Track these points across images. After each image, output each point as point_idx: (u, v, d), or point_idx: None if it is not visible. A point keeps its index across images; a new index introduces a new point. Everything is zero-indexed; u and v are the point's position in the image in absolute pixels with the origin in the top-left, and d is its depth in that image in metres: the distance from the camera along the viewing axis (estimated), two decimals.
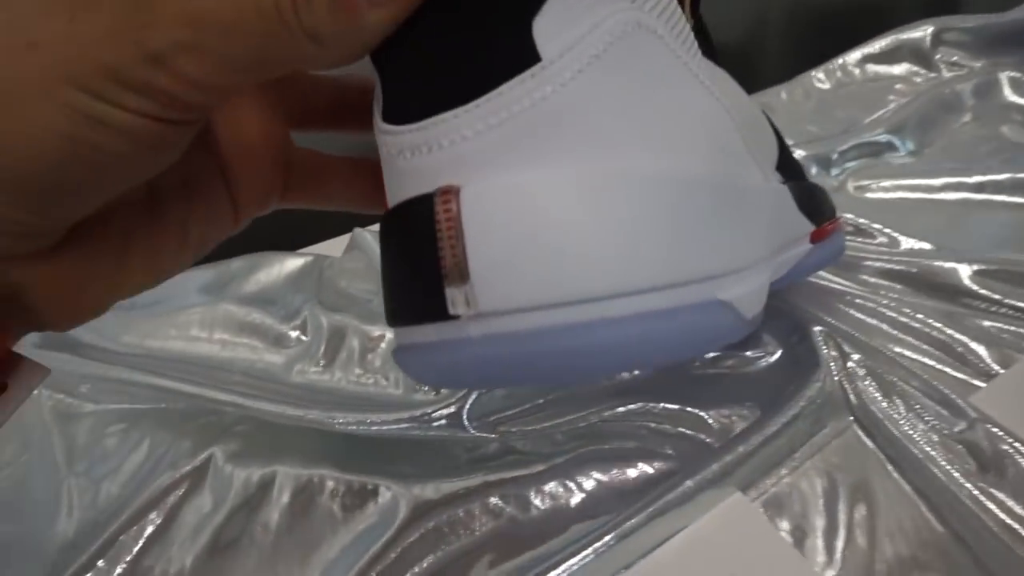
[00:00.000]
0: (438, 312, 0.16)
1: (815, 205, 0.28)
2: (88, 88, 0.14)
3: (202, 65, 0.14)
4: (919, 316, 0.35)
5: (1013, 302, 0.35)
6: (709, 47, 0.22)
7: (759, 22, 0.65)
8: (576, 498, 0.31)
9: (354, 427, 0.33)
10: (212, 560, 0.30)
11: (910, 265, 0.37)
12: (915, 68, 0.51)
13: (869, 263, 0.38)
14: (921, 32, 0.52)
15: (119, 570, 0.30)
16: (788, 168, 0.26)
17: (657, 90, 0.18)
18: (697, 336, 0.17)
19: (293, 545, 0.30)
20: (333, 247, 0.43)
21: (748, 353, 0.34)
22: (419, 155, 0.16)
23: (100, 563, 0.30)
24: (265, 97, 0.22)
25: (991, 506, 0.27)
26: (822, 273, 0.38)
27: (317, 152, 0.24)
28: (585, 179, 0.16)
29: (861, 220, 0.40)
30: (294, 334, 0.37)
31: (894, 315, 0.35)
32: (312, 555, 0.30)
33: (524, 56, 0.16)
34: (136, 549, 0.31)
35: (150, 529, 0.31)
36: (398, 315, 0.18)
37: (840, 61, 0.52)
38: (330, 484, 0.32)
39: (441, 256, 0.16)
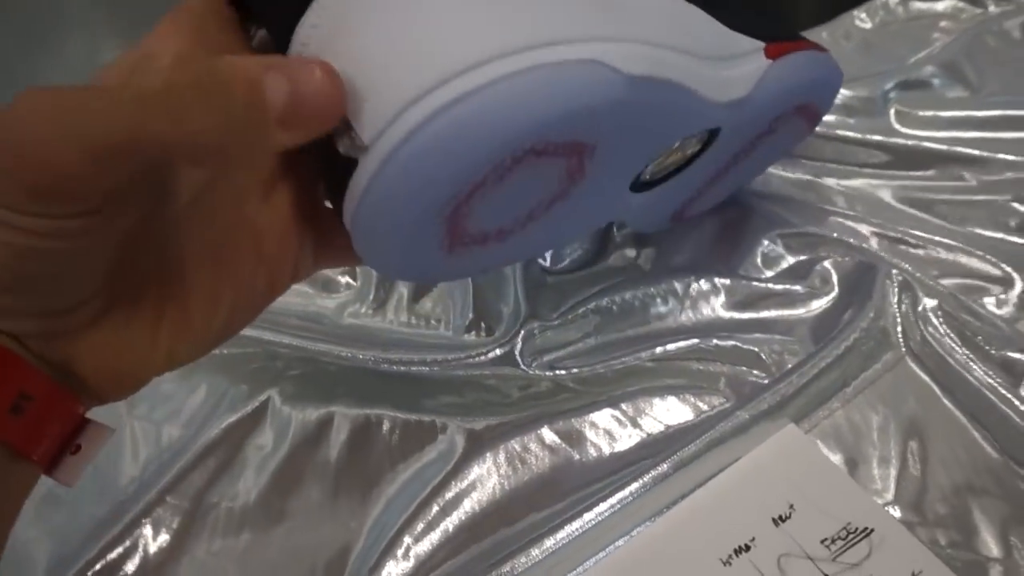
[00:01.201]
0: (346, 168, 0.18)
1: (756, 26, 0.28)
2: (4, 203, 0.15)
3: (76, 156, 0.15)
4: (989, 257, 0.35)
5: None
6: None
7: None
8: (631, 432, 0.31)
9: (406, 367, 0.34)
10: (275, 495, 0.31)
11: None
12: (960, 4, 0.50)
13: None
14: None
15: (187, 505, 0.31)
16: (706, 1, 0.27)
17: None
18: (565, 88, 0.18)
19: (354, 481, 0.31)
20: None
21: (799, 288, 0.34)
22: None
23: (168, 498, 0.31)
24: (293, 170, 0.22)
25: None
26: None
27: None
28: None
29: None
30: (343, 279, 0.38)
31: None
32: (373, 490, 0.31)
33: None
34: (202, 485, 0.32)
35: (214, 466, 0.32)
36: (334, 203, 0.19)
37: (882, 0, 0.51)
38: (386, 423, 0.33)
39: (333, 133, 0.18)
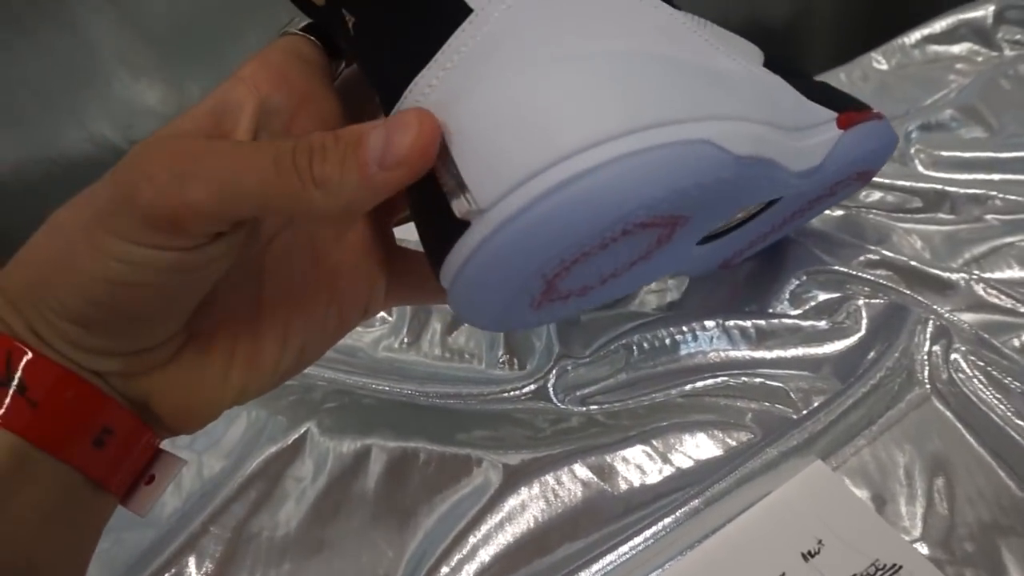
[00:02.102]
0: (455, 230, 0.19)
1: (828, 95, 0.29)
2: (117, 232, 0.17)
3: (203, 195, 0.16)
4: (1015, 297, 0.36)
5: None
6: None
7: (806, 2, 0.65)
8: (661, 467, 0.32)
9: (442, 400, 0.35)
10: (315, 525, 0.32)
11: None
12: (976, 47, 0.51)
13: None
14: (983, 11, 0.51)
15: (229, 535, 0.32)
16: (781, 68, 0.27)
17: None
18: (679, 168, 0.19)
19: (391, 512, 0.32)
20: (411, 231, 0.45)
21: (826, 324, 0.35)
22: None
23: (212, 528, 0.32)
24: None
25: None
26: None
27: (416, 252, 0.24)
28: (528, 68, 0.19)
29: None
30: (378, 313, 0.39)
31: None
32: (410, 521, 0.32)
33: (458, 13, 0.20)
34: (243, 515, 0.33)
35: (255, 497, 0.33)
36: (434, 256, 0.20)
37: (899, 42, 0.52)
38: (423, 455, 0.34)
39: (442, 184, 0.19)
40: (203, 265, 0.18)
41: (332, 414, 0.36)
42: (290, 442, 0.35)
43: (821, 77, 0.52)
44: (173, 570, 0.31)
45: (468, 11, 0.20)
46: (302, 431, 0.35)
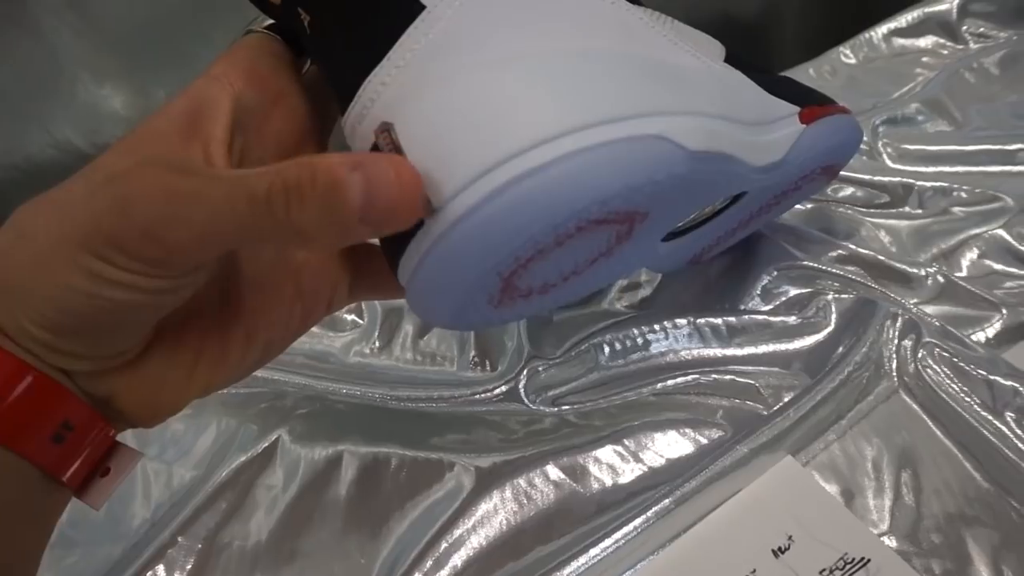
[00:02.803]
0: (410, 229, 0.19)
1: (791, 90, 0.29)
2: (98, 254, 0.17)
3: (188, 239, 0.17)
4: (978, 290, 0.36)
5: None
6: None
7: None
8: (633, 466, 0.32)
9: (414, 404, 0.35)
10: (287, 535, 0.32)
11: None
12: (942, 40, 0.52)
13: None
14: (947, 4, 0.52)
15: (199, 545, 0.32)
16: (742, 63, 0.27)
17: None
18: (631, 164, 0.19)
19: (364, 519, 0.32)
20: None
21: (796, 320, 0.35)
22: (364, 117, 0.20)
23: (181, 539, 0.32)
24: None
25: None
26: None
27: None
28: (479, 66, 0.19)
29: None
30: (349, 317, 0.39)
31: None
32: (382, 528, 0.32)
33: (411, 10, 0.20)
34: (213, 525, 0.32)
35: (225, 507, 0.33)
36: (390, 254, 0.20)
37: (867, 36, 0.53)
38: (394, 461, 0.34)
39: None
40: (181, 287, 0.18)
41: (303, 420, 0.36)
42: (261, 450, 0.34)
43: (789, 72, 0.53)
44: None
45: (421, 8, 0.20)
46: (273, 439, 0.35)
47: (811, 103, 0.30)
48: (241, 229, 0.17)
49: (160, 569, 0.31)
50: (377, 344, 0.38)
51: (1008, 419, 0.30)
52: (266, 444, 0.35)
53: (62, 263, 0.17)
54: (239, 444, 0.35)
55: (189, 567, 0.31)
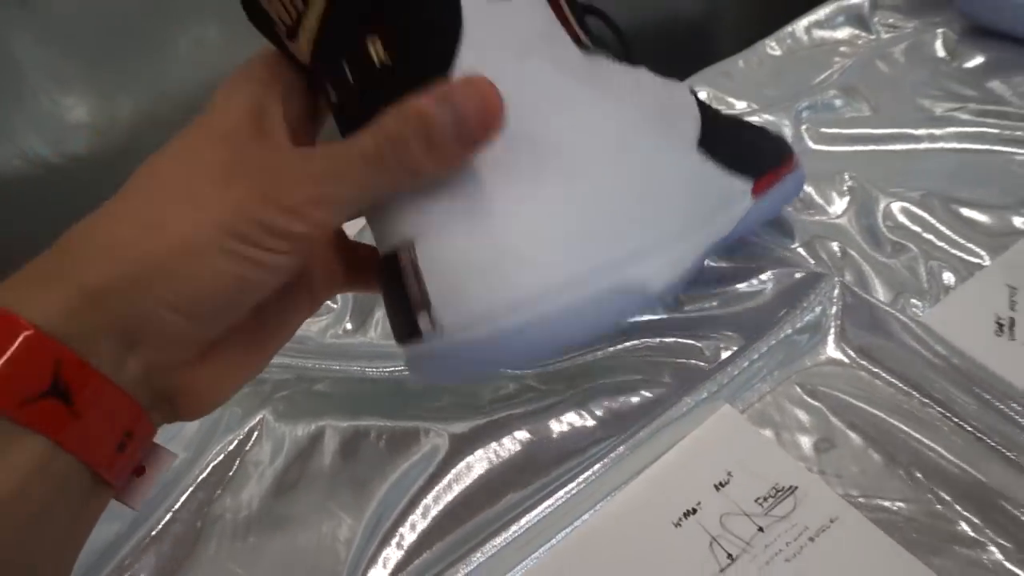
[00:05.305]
0: (413, 334, 0.22)
1: (753, 156, 0.31)
2: (245, 238, 0.19)
3: (327, 211, 0.19)
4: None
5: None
6: (622, 47, 0.27)
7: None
8: (590, 423, 0.35)
9: (390, 372, 0.38)
10: (277, 501, 0.34)
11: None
12: (856, 31, 0.57)
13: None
14: None
15: (195, 519, 0.34)
16: (713, 139, 0.29)
17: (547, 119, 0.23)
18: (607, 311, 0.23)
19: (347, 484, 0.35)
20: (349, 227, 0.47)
21: (740, 287, 0.39)
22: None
23: (177, 515, 0.34)
24: None
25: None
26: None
27: (367, 247, 0.27)
28: (492, 211, 0.21)
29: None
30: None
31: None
32: (365, 490, 0.34)
33: None
34: (207, 500, 0.35)
35: (216, 482, 0.35)
36: (395, 335, 0.24)
37: (790, 29, 0.58)
38: (373, 432, 0.36)
39: (409, 293, 0.22)
40: (294, 266, 0.20)
41: (285, 401, 0.38)
42: (246, 430, 0.37)
43: (723, 64, 0.57)
44: (142, 556, 0.33)
45: None
46: (257, 419, 0.37)
47: (767, 169, 0.32)
48: (366, 187, 0.19)
49: (157, 543, 0.33)
50: (350, 326, 0.41)
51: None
52: (251, 424, 0.37)
53: (207, 248, 0.19)
54: (226, 427, 0.37)
55: (186, 539, 0.33)
